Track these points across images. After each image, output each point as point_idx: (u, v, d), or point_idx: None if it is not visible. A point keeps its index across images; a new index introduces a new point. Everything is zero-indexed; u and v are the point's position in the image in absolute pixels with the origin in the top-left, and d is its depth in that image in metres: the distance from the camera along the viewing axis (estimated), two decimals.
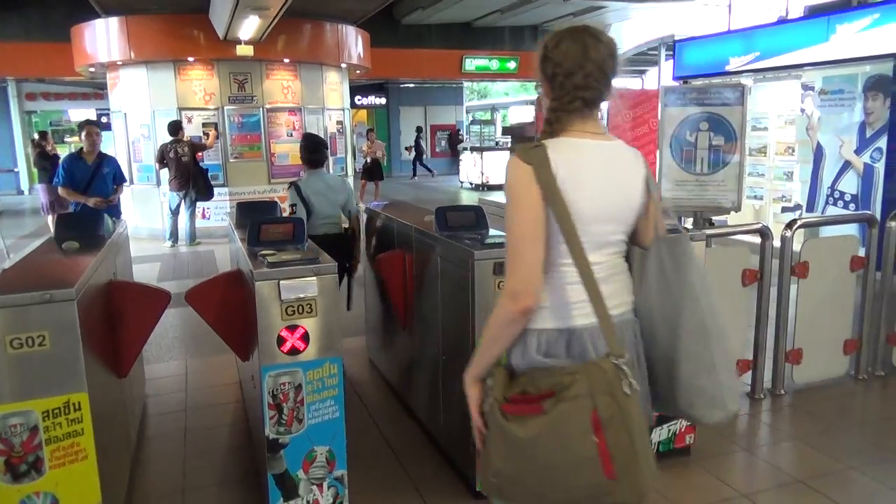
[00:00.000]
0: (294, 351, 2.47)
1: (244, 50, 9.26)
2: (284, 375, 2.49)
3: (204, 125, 10.10)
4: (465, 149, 17.92)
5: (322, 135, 11.02)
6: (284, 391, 2.49)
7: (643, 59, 20.24)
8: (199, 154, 9.75)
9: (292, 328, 2.47)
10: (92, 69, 10.80)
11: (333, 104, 11.35)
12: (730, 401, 1.64)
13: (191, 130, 10.07)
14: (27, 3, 13.79)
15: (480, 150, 17.05)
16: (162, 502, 2.99)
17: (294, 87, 10.58)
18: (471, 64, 16.88)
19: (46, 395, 2.21)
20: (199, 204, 9.92)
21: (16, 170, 19.82)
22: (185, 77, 9.99)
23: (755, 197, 8.31)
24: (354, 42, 11.44)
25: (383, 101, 21.92)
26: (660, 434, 3.12)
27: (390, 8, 16.74)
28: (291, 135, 10.66)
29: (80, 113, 19.47)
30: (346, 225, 4.33)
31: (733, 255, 3.66)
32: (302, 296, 2.44)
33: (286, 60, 10.39)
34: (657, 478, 1.52)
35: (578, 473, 1.45)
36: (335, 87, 11.38)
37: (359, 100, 21.74)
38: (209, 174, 9.86)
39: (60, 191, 6.05)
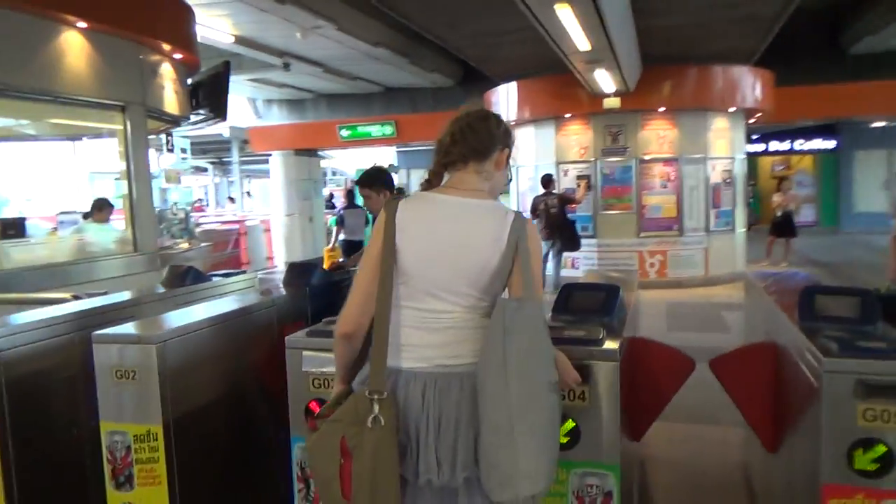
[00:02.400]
0: None
1: (611, 102, 9.21)
2: None
3: (578, 178, 10.35)
4: None
5: (702, 186, 10.12)
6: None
7: None
8: (573, 206, 10.02)
9: (321, 402, 2.35)
10: None
11: (719, 152, 10.29)
12: (523, 485, 1.59)
13: (566, 183, 10.46)
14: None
15: None
16: None
17: (670, 136, 10.01)
18: None
19: (135, 422, 2.60)
20: (567, 254, 10.20)
21: None
22: (563, 132, 10.44)
23: None
24: (750, 83, 10.21)
25: (832, 144, 18.81)
26: None
27: (836, 38, 14.37)
28: (666, 186, 10.08)
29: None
30: None
31: None
32: (324, 370, 2.32)
33: (661, 109, 9.91)
34: None
35: (328, 488, 1.68)
36: (722, 133, 10.32)
37: (800, 144, 19.16)
38: (580, 225, 10.07)
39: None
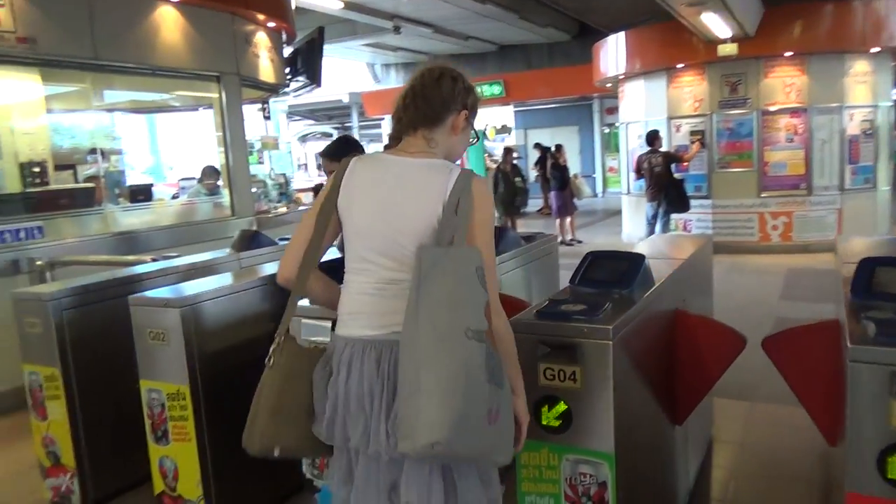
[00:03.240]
0: None
1: (727, 49, 8.37)
2: None
3: (691, 133, 9.61)
4: None
5: (836, 139, 9.04)
6: None
7: None
8: (685, 164, 9.37)
9: None
10: (609, 84, 11.56)
11: (858, 100, 9.11)
12: (422, 434, 1.43)
13: (679, 139, 9.76)
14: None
15: None
16: None
17: (799, 83, 8.96)
18: None
19: (167, 381, 2.72)
20: (678, 216, 9.61)
21: (594, 175, 22.82)
22: (676, 84, 9.69)
23: None
24: None
25: None
26: None
27: None
28: (792, 140, 9.11)
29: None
30: None
31: None
32: (317, 339, 2.27)
33: (788, 54, 8.88)
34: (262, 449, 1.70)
35: None
36: (863, 78, 9.09)
37: None
38: (693, 185, 9.44)
39: None
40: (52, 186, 5.91)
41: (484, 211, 1.64)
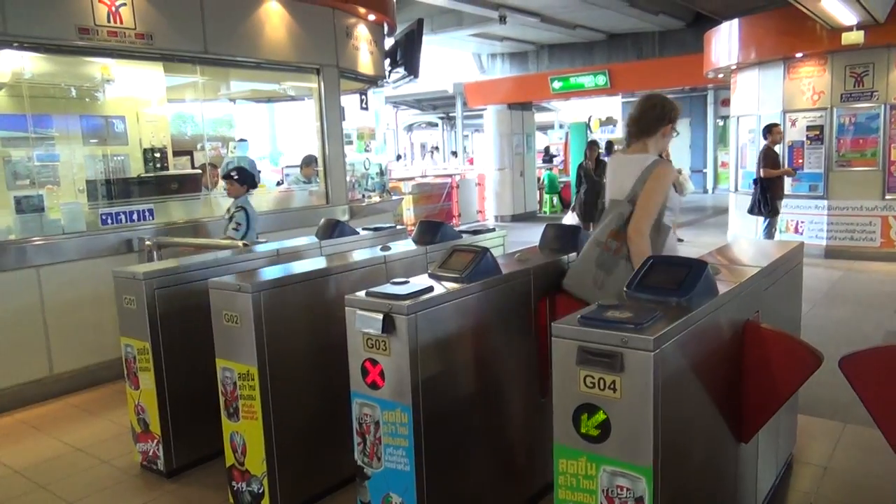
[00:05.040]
0: (374, 385, 2.39)
1: (852, 38, 7.69)
2: (366, 407, 2.44)
3: (808, 128, 8.95)
4: None
5: None
6: (367, 423, 2.44)
7: None
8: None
9: (373, 362, 2.38)
10: (720, 75, 10.96)
11: None
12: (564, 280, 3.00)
13: (794, 135, 9.13)
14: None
15: None
16: None
17: None
18: None
19: (239, 361, 2.88)
20: (790, 218, 9.03)
21: (704, 171, 21.76)
22: (794, 75, 9.04)
23: None
24: None
25: None
26: None
27: None
28: None
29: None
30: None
31: None
32: (369, 331, 2.33)
33: None
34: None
35: None
36: None
37: None
38: (808, 184, 8.84)
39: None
40: (162, 173, 6.36)
41: (653, 182, 2.78)
